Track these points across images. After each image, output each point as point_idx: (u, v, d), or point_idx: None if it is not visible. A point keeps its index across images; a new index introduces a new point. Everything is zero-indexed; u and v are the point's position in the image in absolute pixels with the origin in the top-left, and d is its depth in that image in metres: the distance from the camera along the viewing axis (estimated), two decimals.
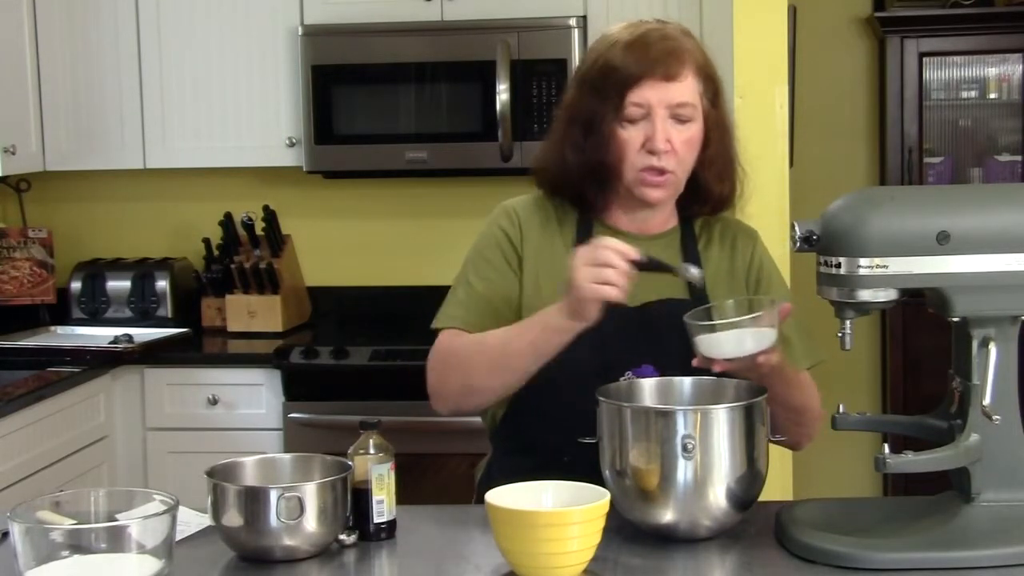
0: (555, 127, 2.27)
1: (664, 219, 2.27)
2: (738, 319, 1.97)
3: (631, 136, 2.15)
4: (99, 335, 4.13)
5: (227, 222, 4.32)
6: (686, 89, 2.15)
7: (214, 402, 3.97)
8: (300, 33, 4.12)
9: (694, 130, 2.17)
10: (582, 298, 1.98)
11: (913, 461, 1.82)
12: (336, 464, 1.95)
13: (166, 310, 4.34)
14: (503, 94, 3.96)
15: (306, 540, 1.87)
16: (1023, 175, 4.80)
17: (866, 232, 1.81)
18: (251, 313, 4.30)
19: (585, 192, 2.22)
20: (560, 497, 1.84)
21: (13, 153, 4.04)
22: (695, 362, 2.02)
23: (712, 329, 1.97)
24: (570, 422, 2.02)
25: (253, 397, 3.97)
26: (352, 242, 4.52)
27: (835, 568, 1.80)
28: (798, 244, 1.87)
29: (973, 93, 4.90)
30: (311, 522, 1.85)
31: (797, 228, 1.87)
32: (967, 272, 1.81)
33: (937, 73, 4.86)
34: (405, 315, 4.40)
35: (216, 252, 4.36)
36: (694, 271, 2.06)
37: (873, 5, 4.86)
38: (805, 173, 4.64)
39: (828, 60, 4.91)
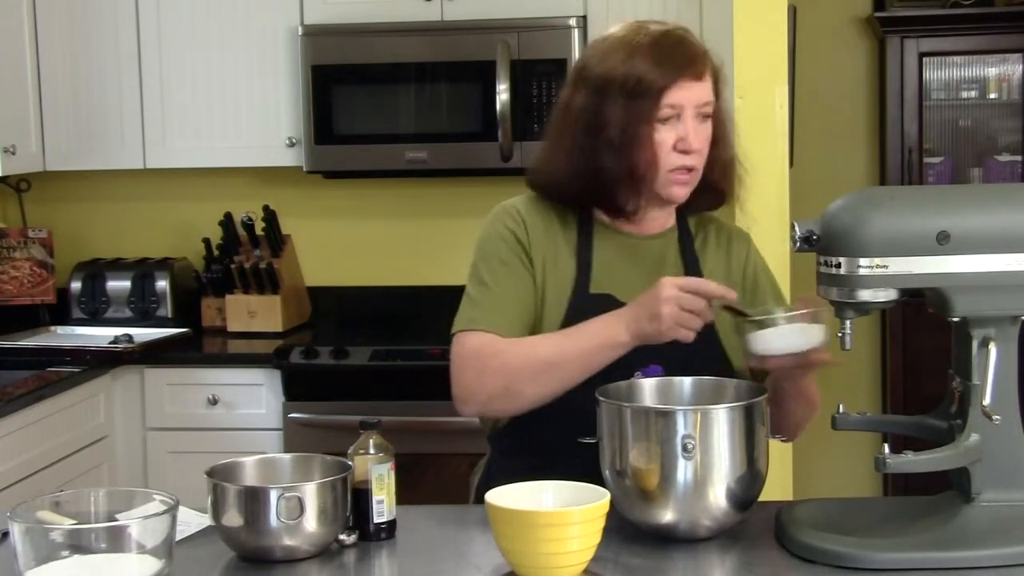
0: (561, 135, 2.23)
1: (666, 219, 2.29)
2: (791, 314, 1.98)
3: (664, 137, 2.16)
4: (99, 335, 4.13)
5: (227, 222, 4.32)
6: (707, 88, 2.18)
7: (214, 402, 3.97)
8: (300, 33, 4.12)
9: (710, 128, 2.20)
10: (662, 332, 2.02)
11: (913, 461, 1.82)
12: (336, 464, 1.95)
13: (166, 310, 4.34)
14: (503, 94, 3.96)
15: (306, 540, 1.87)
16: (1023, 175, 4.79)
17: (866, 232, 1.81)
18: (251, 313, 4.30)
19: (614, 197, 2.21)
20: (560, 497, 1.85)
21: (13, 153, 4.04)
22: (749, 363, 2.04)
23: (763, 325, 1.97)
24: (576, 424, 2.01)
25: (253, 397, 3.97)
26: (352, 242, 4.52)
27: (835, 568, 1.80)
28: (798, 244, 1.87)
29: (973, 93, 4.90)
30: (311, 522, 1.85)
31: (797, 228, 1.87)
32: (967, 272, 1.81)
33: (937, 73, 4.86)
34: (405, 315, 4.40)
35: (216, 252, 4.36)
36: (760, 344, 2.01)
37: (873, 5, 4.86)
38: (805, 173, 4.64)
39: (828, 60, 4.91)
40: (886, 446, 1.81)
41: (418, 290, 4.43)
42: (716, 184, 2.25)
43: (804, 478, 3.84)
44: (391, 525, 1.98)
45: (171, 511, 1.68)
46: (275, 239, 4.33)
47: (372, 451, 1.96)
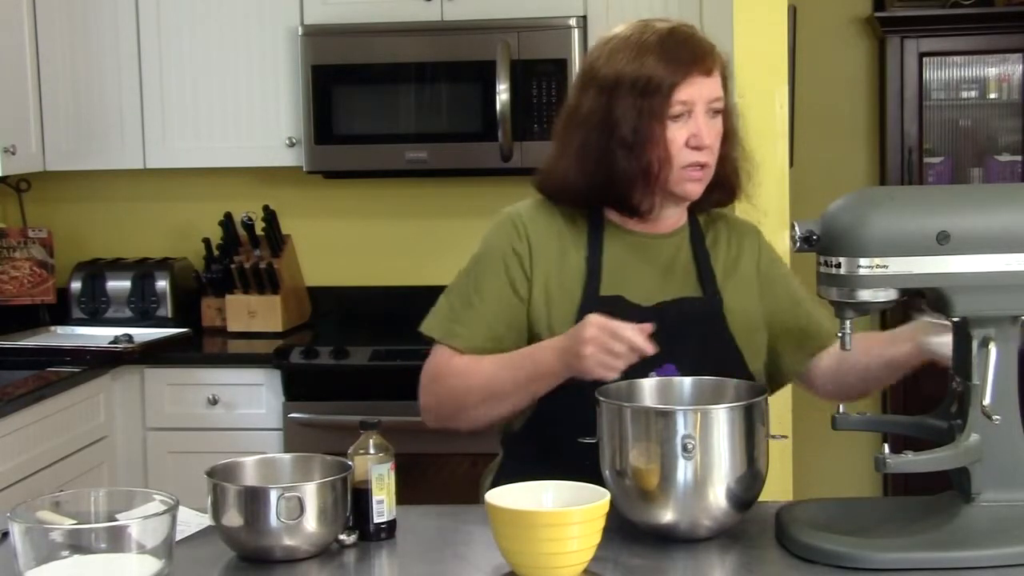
0: (570, 137, 2.23)
1: (678, 217, 2.28)
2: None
3: (676, 135, 2.15)
4: (99, 335, 4.13)
5: (227, 222, 4.32)
6: (717, 84, 2.18)
7: (214, 402, 3.97)
8: (300, 33, 4.12)
9: (721, 123, 2.20)
10: (584, 370, 2.02)
11: (913, 461, 1.82)
12: (336, 464, 1.95)
13: (166, 310, 4.34)
14: (503, 94, 3.96)
15: (306, 540, 1.87)
16: (1023, 175, 4.79)
17: (866, 232, 1.81)
18: (251, 313, 4.30)
19: (628, 198, 2.20)
20: (560, 497, 1.84)
21: (13, 153, 4.04)
22: (940, 360, 2.04)
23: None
24: (587, 427, 2.00)
25: (253, 397, 3.97)
26: (352, 242, 4.52)
27: (835, 568, 1.80)
28: (798, 244, 1.87)
29: (973, 93, 4.89)
30: (311, 522, 1.85)
31: (797, 228, 1.87)
32: (967, 272, 1.81)
33: (937, 73, 4.86)
34: (405, 315, 4.36)
35: (216, 252, 4.36)
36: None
37: (873, 5, 4.86)
38: (805, 173, 4.63)
39: (828, 60, 4.91)
40: (886, 446, 1.82)
41: (418, 290, 4.40)
42: (727, 179, 2.25)
43: (804, 478, 3.84)
44: (391, 525, 1.98)
45: (171, 511, 1.68)
46: (275, 239, 4.33)
47: (372, 451, 1.96)
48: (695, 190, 2.20)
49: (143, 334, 4.12)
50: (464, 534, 2.01)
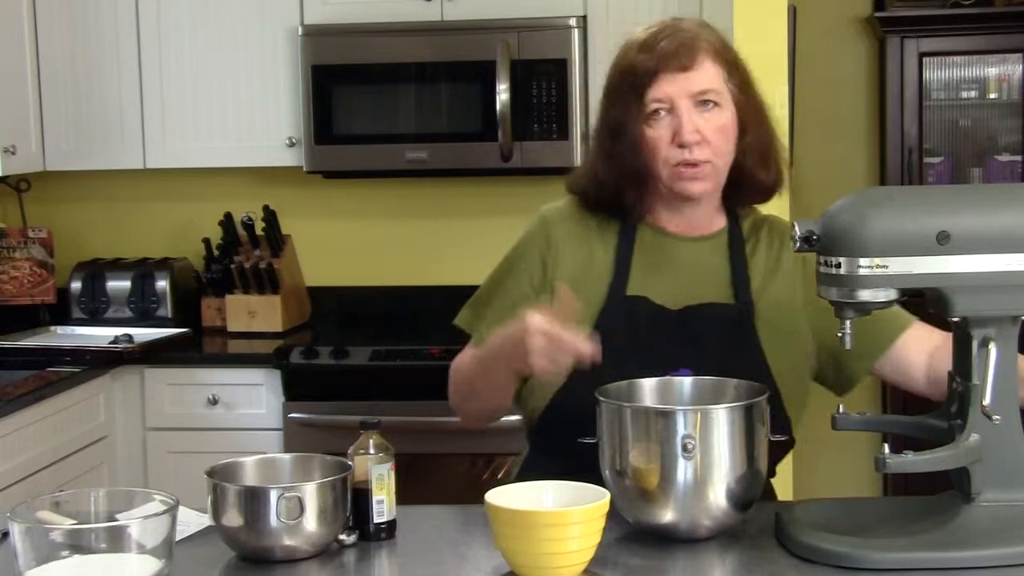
0: (592, 141, 2.26)
1: (709, 218, 2.23)
2: None
3: (659, 133, 2.13)
4: (99, 335, 4.13)
5: (227, 222, 4.32)
6: (705, 76, 2.12)
7: (214, 402, 3.97)
8: (300, 33, 4.12)
9: (725, 117, 2.13)
10: (534, 367, 1.97)
11: (913, 461, 1.82)
12: (336, 464, 1.95)
13: (166, 310, 4.35)
14: (503, 94, 3.96)
15: (306, 540, 1.87)
16: (1023, 175, 4.79)
17: (866, 232, 1.81)
18: (251, 313, 4.30)
19: (623, 199, 2.19)
20: (560, 497, 1.84)
21: (13, 153, 4.04)
22: None
23: None
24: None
25: (253, 397, 3.97)
26: (352, 242, 4.52)
27: (835, 568, 1.80)
28: (798, 244, 1.87)
29: (973, 93, 4.89)
30: (311, 522, 1.85)
31: (797, 228, 1.87)
32: (967, 272, 1.81)
33: (937, 73, 4.86)
34: (405, 315, 4.40)
35: (216, 252, 4.36)
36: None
37: (873, 5, 4.86)
38: (805, 173, 4.63)
39: (828, 60, 4.91)
40: (886, 446, 1.81)
41: (418, 290, 4.43)
42: (749, 173, 2.19)
43: (804, 478, 3.84)
44: (391, 525, 1.98)
45: (171, 511, 1.68)
46: (275, 239, 4.33)
47: (372, 451, 1.96)
48: (695, 188, 2.16)
49: (143, 334, 4.13)
50: (464, 534, 2.01)
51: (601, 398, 1.96)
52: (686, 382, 2.06)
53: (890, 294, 1.84)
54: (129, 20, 4.23)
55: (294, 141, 4.18)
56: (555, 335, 1.92)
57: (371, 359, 3.97)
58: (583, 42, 4.01)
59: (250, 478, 1.96)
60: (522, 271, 2.25)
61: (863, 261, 1.81)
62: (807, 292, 2.17)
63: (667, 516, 1.90)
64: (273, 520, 1.84)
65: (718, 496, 1.89)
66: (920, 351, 2.19)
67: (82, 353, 3.91)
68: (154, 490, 1.79)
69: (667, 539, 1.92)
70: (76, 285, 4.38)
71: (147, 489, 1.86)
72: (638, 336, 2.14)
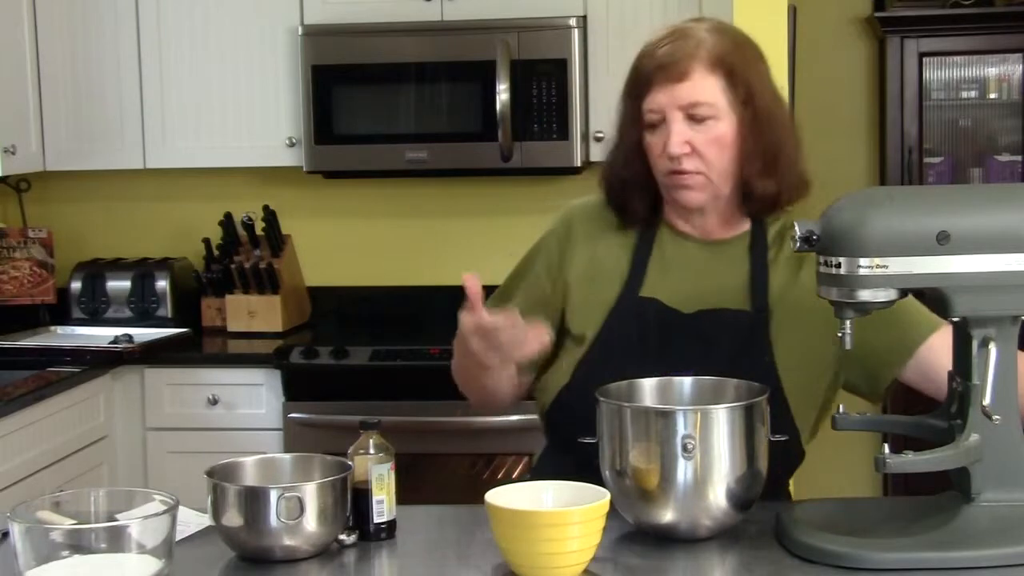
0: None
1: (722, 224, 2.19)
2: None
3: (653, 142, 2.13)
4: (99, 335, 4.13)
5: (227, 222, 4.32)
6: (697, 88, 2.09)
7: (214, 402, 3.97)
8: (300, 33, 4.12)
9: (720, 129, 2.10)
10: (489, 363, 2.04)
11: (913, 461, 1.81)
12: (336, 464, 1.95)
13: (166, 310, 4.34)
14: (503, 94, 3.96)
15: (306, 540, 1.87)
16: (1023, 175, 4.79)
17: (866, 232, 1.81)
18: (251, 313, 4.30)
19: (629, 203, 2.20)
20: (560, 497, 1.84)
21: (13, 153, 4.04)
22: None
23: None
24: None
25: (253, 397, 3.97)
26: (352, 242, 4.52)
27: (835, 568, 1.80)
28: (798, 244, 1.87)
29: (973, 93, 4.89)
30: (311, 522, 1.85)
31: (797, 228, 1.87)
32: (967, 272, 1.81)
33: (937, 73, 4.85)
34: (405, 315, 4.40)
35: (216, 252, 4.36)
36: None
37: (873, 5, 4.86)
38: None
39: (828, 60, 4.91)
40: (886, 446, 1.81)
41: (418, 290, 4.43)
42: (750, 183, 2.13)
43: (804, 478, 3.84)
44: (391, 525, 1.98)
45: (171, 511, 1.68)
46: (275, 239, 4.33)
47: (372, 451, 1.96)
48: (689, 198, 2.14)
49: (143, 334, 4.13)
50: (464, 534, 2.01)
51: (601, 398, 1.96)
52: (686, 382, 2.06)
53: (890, 294, 1.84)
54: (129, 20, 4.23)
55: (294, 141, 4.18)
56: (488, 330, 1.96)
57: (371, 359, 3.97)
58: (583, 42, 4.01)
59: (250, 478, 1.96)
60: (541, 264, 2.27)
61: (863, 261, 1.81)
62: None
63: (667, 516, 1.90)
64: (273, 520, 1.84)
65: (718, 496, 1.89)
66: (948, 355, 2.06)
67: (82, 353, 3.91)
68: (154, 490, 1.79)
69: (667, 539, 1.92)
70: (76, 285, 4.38)
71: (147, 489, 1.86)
72: (647, 337, 2.13)
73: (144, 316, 4.33)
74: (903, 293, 1.86)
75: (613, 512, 1.83)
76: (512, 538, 1.77)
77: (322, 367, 3.96)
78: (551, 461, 2.21)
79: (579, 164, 4.02)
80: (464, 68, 4.06)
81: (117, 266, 4.43)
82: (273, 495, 1.84)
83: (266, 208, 4.31)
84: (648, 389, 2.05)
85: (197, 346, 4.22)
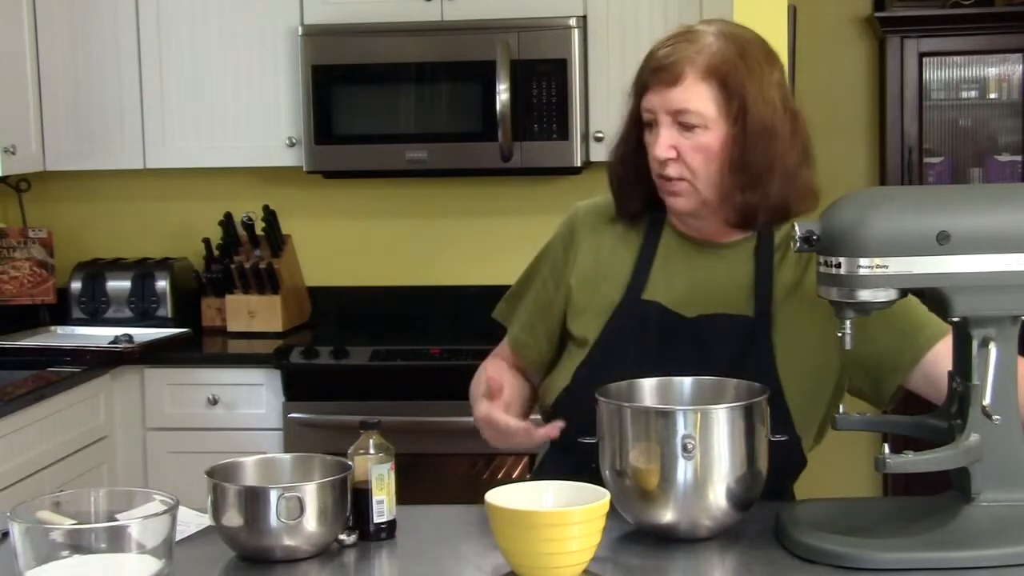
0: None
1: (723, 228, 2.15)
2: None
3: (649, 142, 2.12)
4: (99, 335, 4.14)
5: (227, 222, 4.32)
6: (686, 95, 2.06)
7: (214, 402, 3.97)
8: (300, 33, 4.12)
9: (707, 138, 2.06)
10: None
11: (913, 461, 1.82)
12: (336, 464, 1.95)
13: (166, 310, 4.35)
14: (503, 94, 3.96)
15: (306, 540, 1.87)
16: (1023, 175, 4.79)
17: (866, 232, 1.81)
18: (251, 313, 4.30)
19: (628, 202, 2.20)
20: (560, 497, 1.84)
21: (13, 153, 4.04)
22: None
23: None
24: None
25: (253, 397, 3.97)
26: (352, 242, 4.52)
27: (835, 568, 1.80)
28: (798, 244, 1.87)
29: (973, 93, 4.89)
30: (311, 522, 1.85)
31: (797, 228, 1.87)
32: (967, 272, 1.81)
33: (937, 73, 4.85)
34: (405, 315, 4.40)
35: (216, 252, 4.36)
36: None
37: (873, 5, 4.86)
38: None
39: (828, 60, 4.91)
40: (886, 446, 1.81)
41: (418, 290, 4.43)
42: (731, 194, 2.08)
43: (804, 478, 3.83)
44: (391, 525, 1.98)
45: (171, 511, 1.68)
46: (275, 239, 4.33)
47: (372, 451, 1.96)
48: (675, 204, 2.12)
49: (143, 334, 4.13)
50: (464, 534, 2.01)
51: (601, 398, 1.96)
52: (686, 382, 2.06)
53: (890, 294, 1.84)
54: (129, 20, 4.23)
55: (294, 141, 4.18)
56: (499, 427, 2.10)
57: (371, 359, 3.97)
58: (583, 42, 4.01)
59: (250, 478, 1.96)
60: (547, 269, 2.28)
61: (863, 261, 1.81)
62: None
63: (667, 516, 1.90)
64: (273, 520, 1.84)
65: (718, 496, 1.89)
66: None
67: (82, 353, 3.91)
68: (154, 490, 1.79)
69: (667, 539, 1.92)
70: (76, 285, 4.38)
71: (147, 489, 1.86)
72: (648, 341, 2.13)
73: (144, 316, 4.33)
74: (903, 293, 1.86)
75: (613, 512, 1.83)
76: (512, 538, 1.77)
77: (322, 367, 3.96)
78: (552, 461, 2.21)
79: (579, 164, 4.02)
80: (464, 68, 4.06)
81: (117, 266, 4.43)
82: (273, 495, 1.84)
83: (266, 208, 4.31)
84: (648, 389, 2.05)
85: (197, 346, 4.22)
